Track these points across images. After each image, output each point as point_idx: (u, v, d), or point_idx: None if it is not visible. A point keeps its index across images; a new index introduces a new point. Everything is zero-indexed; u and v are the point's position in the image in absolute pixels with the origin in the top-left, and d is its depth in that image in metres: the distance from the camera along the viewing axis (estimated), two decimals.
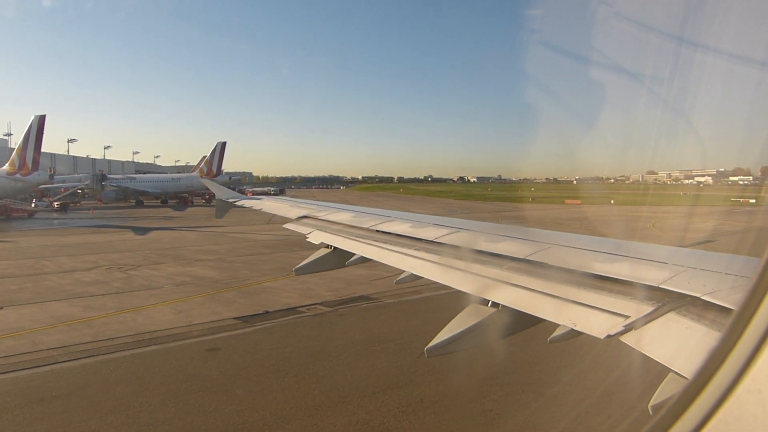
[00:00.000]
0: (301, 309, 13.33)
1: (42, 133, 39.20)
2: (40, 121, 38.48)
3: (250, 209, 9.00)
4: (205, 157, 63.87)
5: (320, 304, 13.84)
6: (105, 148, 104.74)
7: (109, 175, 61.04)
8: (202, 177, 59.88)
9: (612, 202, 71.55)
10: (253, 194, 75.51)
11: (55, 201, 49.29)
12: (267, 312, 13.04)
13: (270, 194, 59.44)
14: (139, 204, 57.65)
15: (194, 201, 61.86)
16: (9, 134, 73.71)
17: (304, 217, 6.71)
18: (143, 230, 32.25)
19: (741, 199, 69.78)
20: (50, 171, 66.29)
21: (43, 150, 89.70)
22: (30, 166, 39.31)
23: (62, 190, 55.89)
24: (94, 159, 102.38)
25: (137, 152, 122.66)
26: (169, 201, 60.42)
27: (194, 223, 38.46)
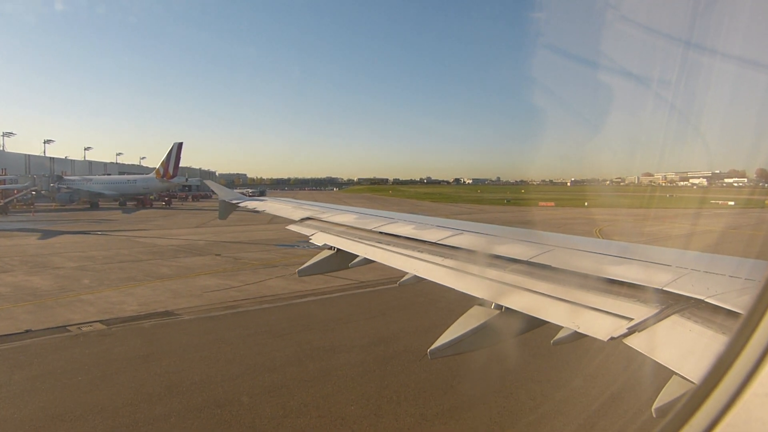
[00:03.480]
0: (71, 327, 11.78)
1: None
2: None
3: (252, 210, 9.01)
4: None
5: (104, 321, 12.28)
6: (85, 149, 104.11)
7: (65, 177, 60.05)
8: (158, 178, 58.96)
9: (585, 204, 69.62)
10: None
11: None
12: (28, 331, 11.50)
13: (247, 196, 58.04)
14: (94, 206, 56.50)
15: (153, 203, 60.78)
16: None
17: (308, 218, 6.62)
18: (52, 234, 30.92)
19: (719, 201, 67.75)
20: (2, 173, 65.83)
21: (16, 151, 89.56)
22: None
23: (14, 191, 54.96)
24: (73, 160, 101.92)
25: (120, 153, 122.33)
26: (128, 203, 59.37)
27: (124, 226, 37.13)
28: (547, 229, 34.52)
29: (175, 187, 73.07)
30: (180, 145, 58.24)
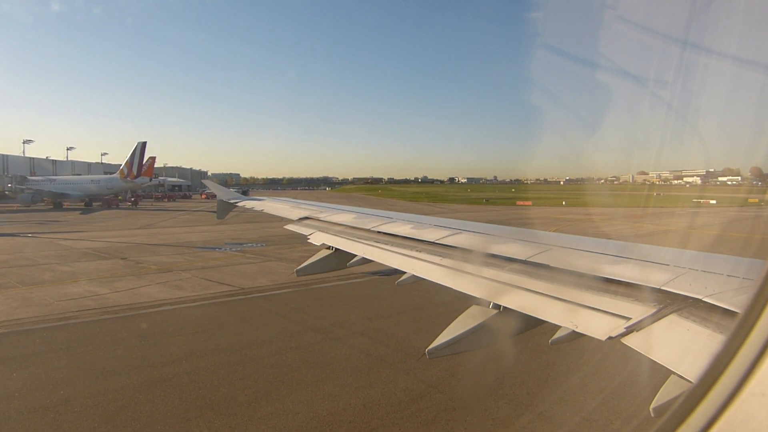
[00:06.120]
0: None
1: None
2: None
3: (251, 210, 9.01)
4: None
5: None
6: (68, 149, 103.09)
7: (29, 177, 59.08)
8: (122, 179, 57.93)
9: (563, 203, 68.13)
10: (207, 197, 73.68)
11: None
12: None
13: None
14: (58, 207, 55.43)
15: (119, 204, 59.73)
16: None
17: (306, 218, 6.59)
18: None
19: (702, 200, 66.32)
20: None
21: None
22: None
23: None
24: (55, 160, 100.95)
25: (106, 153, 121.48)
26: (94, 203, 58.32)
27: (64, 228, 35.98)
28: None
29: (159, 187, 72.04)
30: (144, 144, 57.16)
